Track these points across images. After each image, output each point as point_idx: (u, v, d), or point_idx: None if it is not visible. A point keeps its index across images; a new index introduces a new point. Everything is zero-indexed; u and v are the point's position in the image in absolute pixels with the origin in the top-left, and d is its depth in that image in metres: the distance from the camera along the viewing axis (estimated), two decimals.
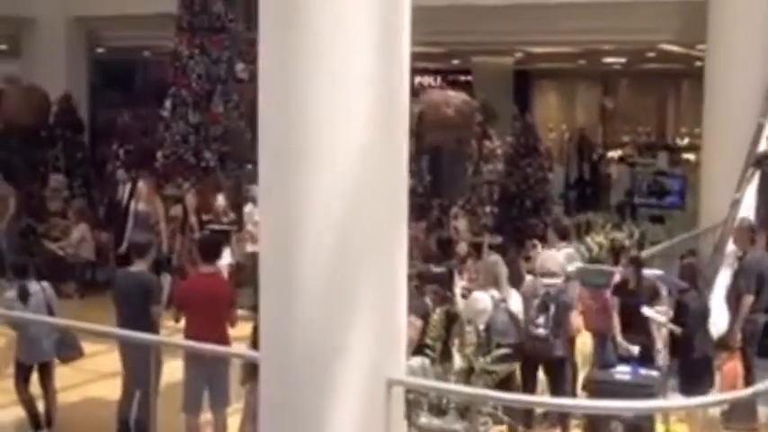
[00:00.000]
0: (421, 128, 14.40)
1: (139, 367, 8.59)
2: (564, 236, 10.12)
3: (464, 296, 9.17)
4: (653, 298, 9.22)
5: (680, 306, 9.23)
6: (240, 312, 13.36)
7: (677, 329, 8.80)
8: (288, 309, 6.72)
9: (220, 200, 13.78)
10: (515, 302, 8.95)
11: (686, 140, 25.70)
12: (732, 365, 9.13)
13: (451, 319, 8.30)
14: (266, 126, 6.88)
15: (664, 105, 26.14)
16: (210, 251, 8.58)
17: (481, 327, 8.47)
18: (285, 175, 6.72)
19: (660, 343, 9.42)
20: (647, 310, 9.03)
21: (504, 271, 9.00)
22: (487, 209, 14.64)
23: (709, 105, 16.72)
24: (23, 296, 8.81)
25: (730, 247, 10.59)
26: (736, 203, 11.76)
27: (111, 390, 9.43)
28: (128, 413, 8.77)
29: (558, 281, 8.97)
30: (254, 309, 13.23)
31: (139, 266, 9.15)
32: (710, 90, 16.74)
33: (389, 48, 6.65)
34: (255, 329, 8.09)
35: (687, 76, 25.10)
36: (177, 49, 16.54)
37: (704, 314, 9.11)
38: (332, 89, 6.54)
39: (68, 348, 9.18)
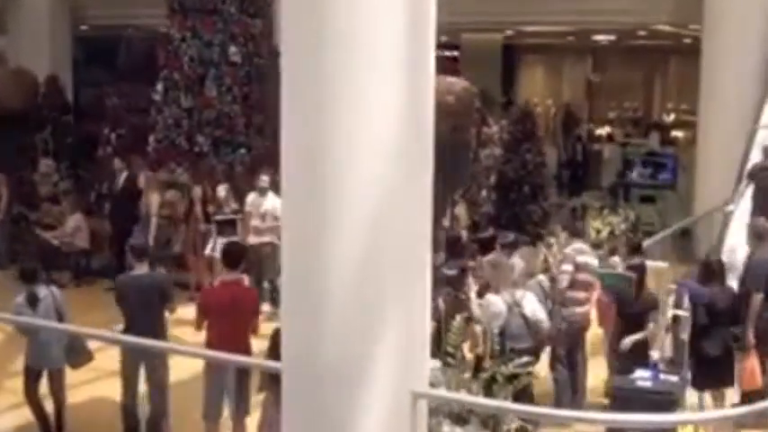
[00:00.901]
0: None
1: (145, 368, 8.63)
2: (576, 236, 10.04)
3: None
4: (652, 309, 9.07)
5: (706, 305, 9.35)
6: None
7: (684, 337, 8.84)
8: (313, 322, 6.64)
9: (222, 190, 13.59)
10: (530, 304, 8.91)
11: (672, 116, 25.71)
12: (749, 364, 9.19)
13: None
14: (290, 135, 6.76)
15: (651, 81, 26.13)
16: (234, 258, 8.46)
17: (495, 331, 8.39)
18: (310, 187, 6.63)
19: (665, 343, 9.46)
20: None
21: (519, 276, 8.97)
22: (485, 194, 14.58)
23: (705, 88, 16.75)
24: (32, 301, 8.68)
25: (741, 253, 10.51)
26: (728, 215, 11.78)
27: (116, 388, 9.41)
28: (133, 411, 8.79)
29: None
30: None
31: (142, 269, 9.23)
32: (707, 73, 16.76)
33: (417, 53, 6.52)
34: (274, 336, 8.02)
35: (675, 53, 25.12)
36: (169, 31, 16.31)
37: (731, 311, 9.24)
38: (358, 102, 6.44)
39: (77, 354, 9.09)
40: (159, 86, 16.49)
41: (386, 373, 6.62)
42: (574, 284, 9.63)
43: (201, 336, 12.06)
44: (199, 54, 16.15)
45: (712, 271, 9.52)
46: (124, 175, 14.73)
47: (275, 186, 13.87)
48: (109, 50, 24.18)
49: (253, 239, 13.16)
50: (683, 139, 22.70)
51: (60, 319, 8.83)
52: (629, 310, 9.09)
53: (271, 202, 13.10)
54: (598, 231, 14.89)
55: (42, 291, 8.80)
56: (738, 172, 13.29)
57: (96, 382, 10.36)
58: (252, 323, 8.43)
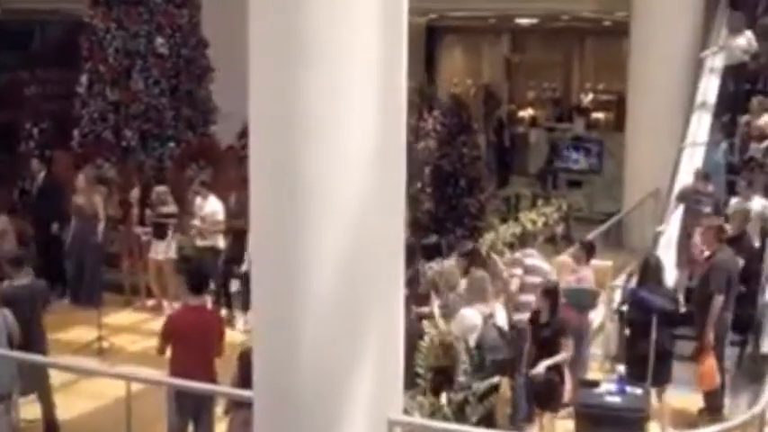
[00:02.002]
0: None
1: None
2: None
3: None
4: (563, 332, 8.84)
5: (641, 303, 9.47)
6: (177, 305, 13.17)
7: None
8: (286, 352, 6.56)
9: (155, 192, 13.28)
10: (501, 317, 8.91)
11: (591, 96, 25.97)
12: (709, 364, 9.32)
13: (447, 346, 8.14)
14: (259, 152, 6.61)
15: (569, 62, 26.29)
16: (198, 283, 8.23)
17: (471, 344, 8.35)
18: (280, 210, 6.49)
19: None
20: None
21: (490, 286, 8.94)
22: (422, 190, 14.53)
23: (633, 70, 16.89)
24: None
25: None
26: (657, 236, 11.97)
27: None
28: None
29: None
30: None
31: (23, 280, 9.30)
32: (636, 56, 16.89)
33: (390, 71, 6.43)
34: (242, 358, 7.86)
35: (592, 34, 25.35)
36: (92, 22, 15.83)
37: (668, 310, 9.34)
38: (331, 125, 6.31)
39: (30, 379, 8.81)
40: (83, 79, 16.03)
41: (361, 402, 6.59)
42: (524, 288, 9.64)
43: (139, 345, 11.94)
44: (124, 46, 15.74)
45: (651, 270, 9.64)
46: (42, 175, 14.21)
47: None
48: (23, 35, 23.53)
49: (201, 242, 12.93)
50: (605, 121, 22.98)
51: (11, 343, 8.48)
52: (542, 333, 8.86)
53: (210, 206, 12.87)
54: (533, 222, 14.95)
55: None
56: (667, 192, 13.41)
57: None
58: (217, 348, 8.24)
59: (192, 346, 7.98)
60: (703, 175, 12.00)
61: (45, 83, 22.83)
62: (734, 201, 11.52)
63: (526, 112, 24.04)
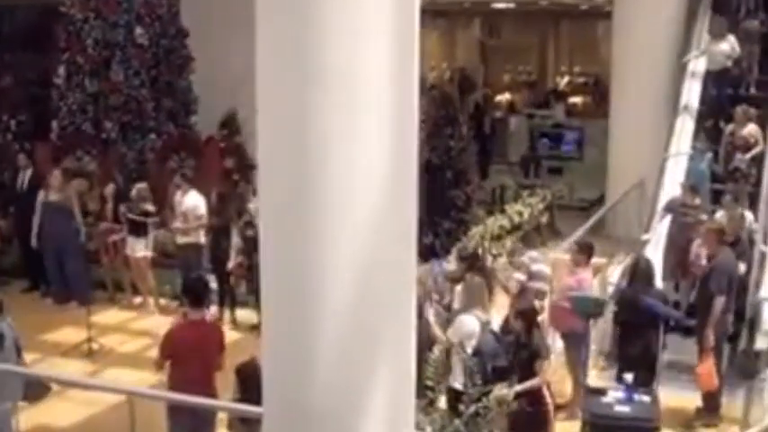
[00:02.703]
0: None
1: None
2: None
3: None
4: (538, 356, 8.43)
5: (627, 301, 9.53)
6: (163, 302, 13.07)
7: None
8: (300, 367, 6.45)
9: (135, 189, 13.08)
10: (496, 323, 8.86)
11: (566, 79, 25.98)
12: (707, 366, 9.34)
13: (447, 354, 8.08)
14: (270, 176, 6.49)
15: (544, 44, 26.26)
16: (197, 295, 8.07)
17: (469, 350, 8.30)
18: (293, 231, 6.37)
19: None
20: None
21: (485, 291, 8.88)
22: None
23: (617, 58, 16.83)
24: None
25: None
26: (644, 244, 11.92)
27: None
28: None
29: None
30: (177, 298, 12.91)
31: None
32: (618, 43, 16.83)
33: (403, 82, 6.32)
34: (240, 373, 7.77)
35: (566, 16, 25.33)
36: (69, 11, 15.53)
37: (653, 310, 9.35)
38: (341, 141, 6.20)
39: (35, 387, 8.63)
40: (61, 70, 15.74)
41: (375, 416, 6.52)
42: (526, 293, 9.58)
43: (128, 346, 11.80)
44: (103, 36, 15.46)
45: (640, 270, 9.66)
46: (29, 172, 13.93)
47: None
48: None
49: (182, 239, 12.77)
50: (582, 106, 22.95)
51: (19, 352, 8.28)
52: (519, 354, 8.49)
53: (191, 200, 12.71)
54: (520, 214, 14.93)
55: (4, 327, 8.17)
56: (652, 202, 13.34)
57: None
58: (218, 361, 8.10)
59: (192, 361, 7.83)
60: (690, 188, 11.87)
61: (15, 67, 22.61)
62: (719, 214, 11.43)
63: (503, 97, 23.94)
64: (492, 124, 20.65)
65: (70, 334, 11.82)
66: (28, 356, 10.54)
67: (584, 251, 9.79)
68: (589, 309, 9.35)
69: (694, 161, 13.29)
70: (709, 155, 13.44)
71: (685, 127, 14.63)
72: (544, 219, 16.10)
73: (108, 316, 12.52)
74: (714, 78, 14.88)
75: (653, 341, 9.38)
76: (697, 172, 12.99)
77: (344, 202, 6.26)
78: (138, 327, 12.50)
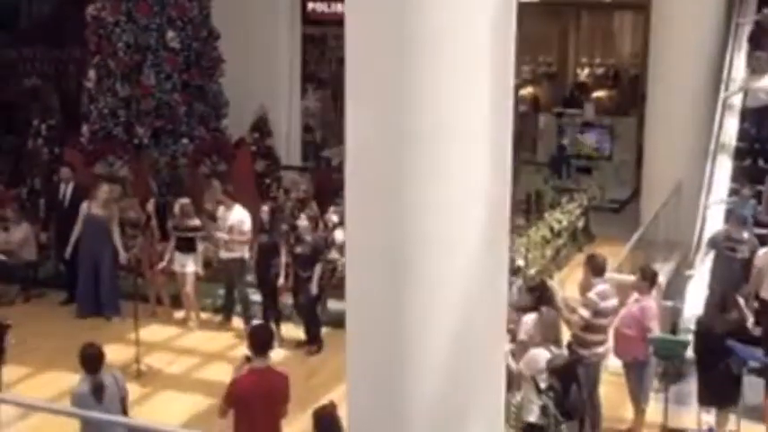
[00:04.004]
0: None
1: None
2: (601, 271, 9.66)
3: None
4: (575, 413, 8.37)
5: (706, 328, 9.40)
6: (204, 316, 12.93)
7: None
8: (391, 419, 6.33)
9: (179, 204, 12.89)
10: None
11: (587, 71, 25.73)
12: None
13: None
14: (358, 220, 6.35)
15: (565, 36, 25.97)
16: (263, 343, 7.82)
17: (542, 385, 8.17)
18: (390, 285, 6.21)
19: None
20: None
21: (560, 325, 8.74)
22: None
23: (654, 57, 16.55)
24: (98, 392, 7.73)
25: None
26: (687, 280, 11.69)
27: None
28: None
29: None
30: (220, 311, 12.77)
31: None
32: (656, 42, 16.55)
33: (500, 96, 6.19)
34: (317, 417, 7.58)
35: (587, 8, 25.06)
36: (100, 14, 15.28)
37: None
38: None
39: None
40: (91, 74, 15.52)
41: None
42: (590, 328, 9.38)
43: (174, 367, 11.59)
44: (135, 40, 15.23)
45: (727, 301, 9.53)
46: (71, 185, 13.72)
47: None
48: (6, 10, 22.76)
49: (223, 254, 12.61)
50: (608, 100, 22.71)
51: (124, 407, 8.04)
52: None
53: (236, 216, 12.54)
54: (559, 222, 14.80)
55: (107, 378, 7.87)
56: (695, 247, 13.02)
57: None
58: (282, 409, 7.90)
59: (258, 411, 7.61)
60: (739, 220, 11.49)
61: (32, 60, 22.35)
62: (762, 251, 11.17)
63: (526, 91, 23.68)
64: (523, 121, 20.37)
65: (114, 352, 11.53)
66: (76, 378, 10.47)
67: (648, 278, 9.60)
68: (671, 351, 9.18)
69: (737, 206, 12.86)
70: (753, 201, 13.11)
71: (723, 165, 14.41)
72: (580, 223, 16.02)
73: (150, 332, 12.32)
74: (754, 116, 14.61)
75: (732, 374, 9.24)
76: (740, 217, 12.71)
77: (436, 255, 6.13)
78: (182, 344, 12.35)
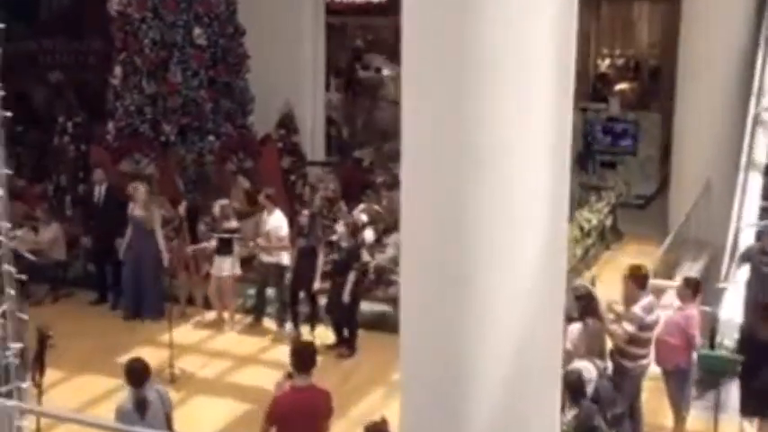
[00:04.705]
0: None
1: None
2: (645, 284, 9.53)
3: None
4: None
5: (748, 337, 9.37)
6: (238, 317, 12.88)
7: None
8: None
9: (218, 206, 12.83)
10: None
11: (607, 62, 25.61)
12: None
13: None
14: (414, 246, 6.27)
15: (586, 28, 25.81)
16: (306, 362, 7.71)
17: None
18: (448, 300, 6.12)
19: None
20: None
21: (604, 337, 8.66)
22: None
23: (686, 47, 16.38)
24: (141, 408, 7.66)
25: None
26: (721, 292, 11.54)
27: None
28: None
29: None
30: (251, 312, 12.70)
31: None
32: (687, 33, 16.37)
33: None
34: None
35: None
36: (126, 11, 15.19)
37: None
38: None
39: None
40: (117, 70, 15.44)
41: None
42: (635, 341, 9.26)
43: (208, 370, 11.50)
44: (161, 36, 15.13)
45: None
46: (105, 186, 13.66)
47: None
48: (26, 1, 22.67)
49: (263, 258, 12.59)
50: (630, 92, 22.57)
51: (168, 421, 7.99)
52: None
53: (275, 221, 12.47)
54: (588, 221, 14.71)
55: (151, 393, 7.78)
56: (729, 254, 12.83)
57: None
58: (326, 427, 7.83)
59: (300, 429, 7.55)
60: None
61: (53, 53, 22.29)
62: None
63: None
64: None
65: (147, 354, 11.52)
66: (111, 381, 10.44)
67: (691, 287, 9.51)
68: (719, 368, 9.07)
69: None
70: None
71: (754, 181, 14.25)
72: (608, 221, 15.92)
73: (182, 333, 12.26)
74: None
75: None
76: None
77: (493, 285, 6.03)
78: (215, 347, 12.30)
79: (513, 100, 5.85)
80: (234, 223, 12.61)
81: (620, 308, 9.31)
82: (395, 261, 13.82)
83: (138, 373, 7.77)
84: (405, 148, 6.12)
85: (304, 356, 7.71)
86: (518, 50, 5.83)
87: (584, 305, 8.93)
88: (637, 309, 9.07)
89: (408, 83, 6.06)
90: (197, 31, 15.29)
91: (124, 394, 7.91)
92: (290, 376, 7.73)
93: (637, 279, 9.22)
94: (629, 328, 9.02)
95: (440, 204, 6.03)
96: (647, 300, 9.17)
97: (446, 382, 6.19)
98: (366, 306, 12.37)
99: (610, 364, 8.89)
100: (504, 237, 5.97)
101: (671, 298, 10.50)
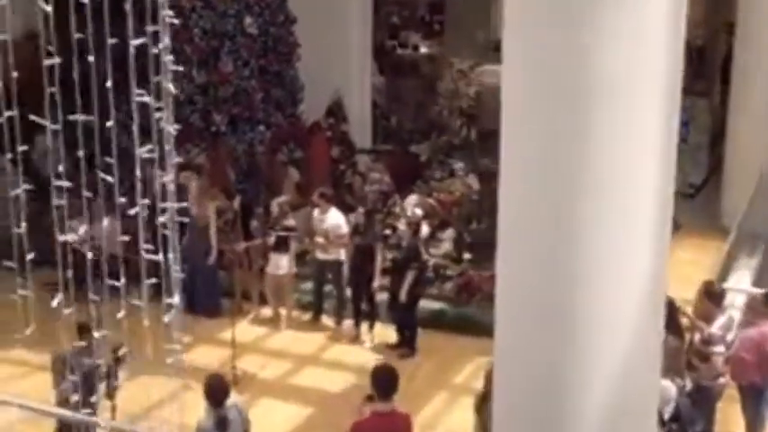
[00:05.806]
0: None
1: None
2: (721, 301, 9.34)
3: None
4: None
5: None
6: (294, 314, 12.81)
7: None
8: None
9: (282, 200, 12.75)
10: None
11: None
12: None
13: None
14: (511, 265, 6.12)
15: None
16: (387, 386, 7.56)
17: (666, 417, 7.96)
18: (549, 330, 5.98)
19: None
20: None
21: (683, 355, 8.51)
22: None
23: (742, 36, 16.12)
24: (221, 426, 7.62)
25: None
26: None
27: None
28: None
29: None
30: (308, 308, 12.61)
31: None
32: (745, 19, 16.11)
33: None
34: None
35: None
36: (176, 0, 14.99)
37: None
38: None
39: None
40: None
41: None
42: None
43: (268, 371, 11.44)
44: (212, 26, 14.96)
45: None
46: (193, 185, 13.48)
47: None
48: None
49: (319, 255, 12.46)
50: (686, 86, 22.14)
51: None
52: None
53: (333, 219, 12.35)
54: None
55: (232, 412, 7.73)
56: None
57: None
58: None
59: None
60: None
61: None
62: None
63: None
64: None
65: (206, 353, 11.53)
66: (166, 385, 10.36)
67: (766, 302, 9.32)
68: None
69: None
70: None
71: None
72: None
73: (239, 331, 12.12)
74: None
75: None
76: None
77: (594, 313, 5.88)
78: (273, 345, 12.24)
79: (618, 135, 5.67)
80: (291, 221, 12.50)
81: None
82: (450, 256, 13.75)
83: (218, 393, 7.69)
84: (505, 176, 5.94)
85: (387, 382, 7.56)
86: (631, 66, 5.65)
87: (666, 318, 8.75)
88: (715, 329, 8.89)
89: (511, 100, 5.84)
90: (248, 20, 15.14)
91: (202, 413, 7.80)
92: (369, 398, 7.61)
93: (713, 297, 9.04)
94: (719, 348, 8.83)
95: (542, 233, 5.87)
96: (724, 319, 9.00)
97: (543, 417, 6.08)
98: (423, 303, 12.26)
99: (688, 382, 8.74)
100: (609, 267, 5.83)
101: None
